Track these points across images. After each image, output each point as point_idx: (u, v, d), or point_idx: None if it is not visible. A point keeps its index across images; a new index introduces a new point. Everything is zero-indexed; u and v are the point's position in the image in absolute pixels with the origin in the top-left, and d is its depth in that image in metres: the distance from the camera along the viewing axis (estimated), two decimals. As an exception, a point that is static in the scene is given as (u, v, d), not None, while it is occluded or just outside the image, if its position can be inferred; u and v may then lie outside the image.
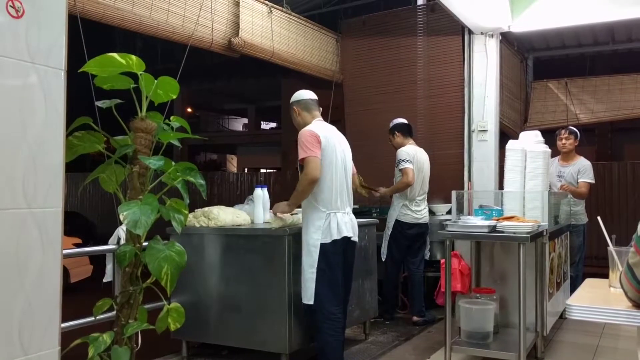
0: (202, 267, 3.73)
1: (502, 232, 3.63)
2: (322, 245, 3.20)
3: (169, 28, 4.80)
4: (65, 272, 7.07)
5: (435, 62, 6.45)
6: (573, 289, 4.42)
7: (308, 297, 3.23)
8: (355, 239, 3.41)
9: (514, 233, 3.54)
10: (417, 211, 4.93)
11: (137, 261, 2.34)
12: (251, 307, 3.55)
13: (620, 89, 8.16)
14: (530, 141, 4.36)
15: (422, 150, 5.07)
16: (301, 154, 3.20)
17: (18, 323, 1.56)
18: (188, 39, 4.92)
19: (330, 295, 3.21)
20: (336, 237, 3.22)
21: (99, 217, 14.66)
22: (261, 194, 3.96)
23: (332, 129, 3.42)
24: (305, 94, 3.49)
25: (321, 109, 3.53)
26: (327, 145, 3.25)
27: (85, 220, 13.35)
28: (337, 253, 3.24)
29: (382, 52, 6.82)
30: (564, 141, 5.36)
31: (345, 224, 3.28)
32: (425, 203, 5.06)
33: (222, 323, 3.69)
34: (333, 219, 3.23)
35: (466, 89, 5.81)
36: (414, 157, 4.82)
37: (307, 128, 3.29)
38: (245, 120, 24.73)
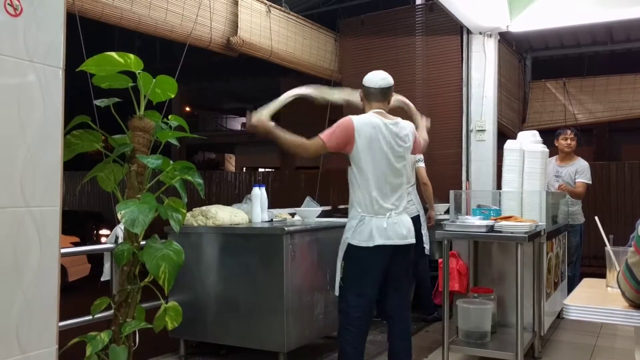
0: (200, 266, 3.72)
1: (500, 231, 3.63)
2: (350, 246, 2.92)
3: (168, 27, 4.80)
4: (63, 271, 7.09)
5: (433, 61, 6.45)
6: (570, 288, 4.43)
7: (335, 288, 3.00)
8: (401, 242, 2.96)
9: (512, 233, 3.54)
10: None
11: (135, 260, 2.34)
12: (249, 306, 3.55)
13: (618, 89, 8.19)
14: (528, 141, 4.37)
15: None
16: (323, 133, 2.92)
17: (16, 322, 1.56)
18: (187, 38, 4.91)
19: (356, 301, 2.91)
20: (366, 243, 2.88)
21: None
22: (259, 193, 3.96)
23: (384, 124, 2.98)
24: (374, 80, 3.11)
25: (391, 99, 3.20)
26: (364, 141, 2.89)
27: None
28: (367, 259, 2.90)
29: (380, 52, 6.81)
30: (569, 141, 5.31)
31: (381, 229, 2.89)
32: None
33: (220, 322, 3.69)
34: (367, 223, 2.89)
35: (464, 89, 5.82)
36: None
37: (350, 116, 2.96)
38: (244, 120, 24.68)
